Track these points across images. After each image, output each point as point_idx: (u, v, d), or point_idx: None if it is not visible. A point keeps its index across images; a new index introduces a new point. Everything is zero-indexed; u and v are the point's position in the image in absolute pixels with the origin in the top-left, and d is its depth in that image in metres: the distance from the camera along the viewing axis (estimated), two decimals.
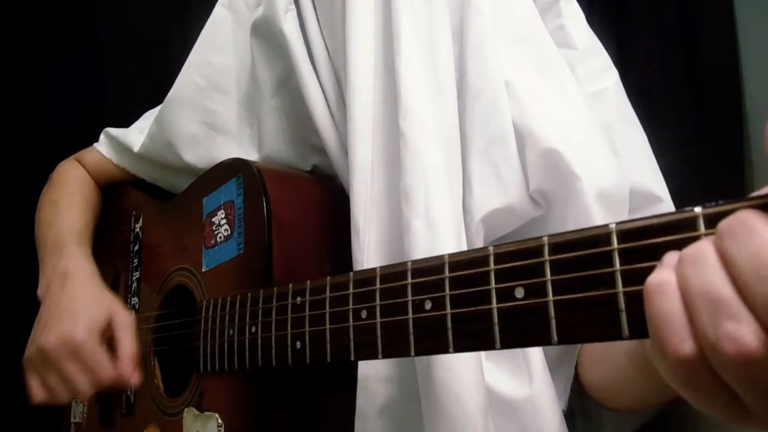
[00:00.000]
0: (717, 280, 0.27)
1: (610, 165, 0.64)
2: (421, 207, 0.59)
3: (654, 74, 0.98)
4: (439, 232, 0.58)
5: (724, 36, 0.94)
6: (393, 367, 0.61)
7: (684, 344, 0.28)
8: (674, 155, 0.90)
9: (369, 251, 0.62)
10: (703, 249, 0.28)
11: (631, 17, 1.01)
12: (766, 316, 0.26)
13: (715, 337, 0.27)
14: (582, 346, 0.63)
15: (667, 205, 0.68)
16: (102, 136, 0.96)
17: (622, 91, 0.74)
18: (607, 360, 0.58)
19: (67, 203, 0.89)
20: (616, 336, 0.33)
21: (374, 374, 0.61)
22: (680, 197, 0.69)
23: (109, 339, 0.71)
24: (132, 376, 0.69)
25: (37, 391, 0.70)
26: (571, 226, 0.62)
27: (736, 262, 0.27)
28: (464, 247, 0.61)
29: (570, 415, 0.65)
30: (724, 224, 0.28)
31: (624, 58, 0.97)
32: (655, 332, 0.29)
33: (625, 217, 0.65)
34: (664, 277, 0.29)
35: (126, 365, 0.69)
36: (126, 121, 0.96)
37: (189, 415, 0.70)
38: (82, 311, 0.70)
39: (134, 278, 0.87)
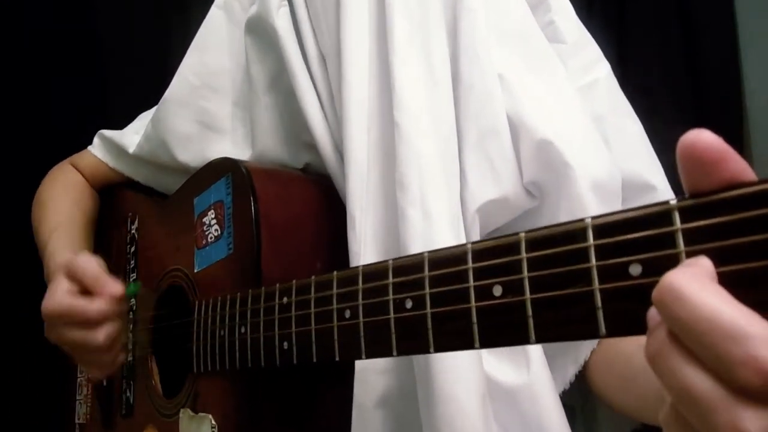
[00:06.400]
0: None
1: (602, 156, 0.64)
2: (417, 196, 0.59)
3: (654, 74, 0.97)
4: (435, 222, 0.58)
5: (724, 36, 0.94)
6: (391, 359, 0.61)
7: None
8: (675, 154, 0.89)
9: (365, 243, 0.62)
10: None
11: (631, 17, 1.00)
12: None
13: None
14: (595, 352, 0.62)
15: (661, 194, 0.67)
16: (96, 139, 0.96)
17: (615, 82, 0.74)
18: (632, 389, 0.55)
19: (52, 205, 0.89)
20: (594, 334, 0.32)
21: (372, 366, 0.60)
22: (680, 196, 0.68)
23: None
24: (107, 289, 0.66)
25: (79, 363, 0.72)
26: (564, 217, 0.62)
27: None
28: (462, 238, 0.60)
29: (571, 412, 0.65)
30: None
31: (624, 58, 0.96)
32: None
33: (619, 208, 0.64)
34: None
35: (99, 287, 0.66)
36: (126, 123, 0.96)
37: (184, 417, 0.70)
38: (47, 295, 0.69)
39: (131, 280, 0.87)
